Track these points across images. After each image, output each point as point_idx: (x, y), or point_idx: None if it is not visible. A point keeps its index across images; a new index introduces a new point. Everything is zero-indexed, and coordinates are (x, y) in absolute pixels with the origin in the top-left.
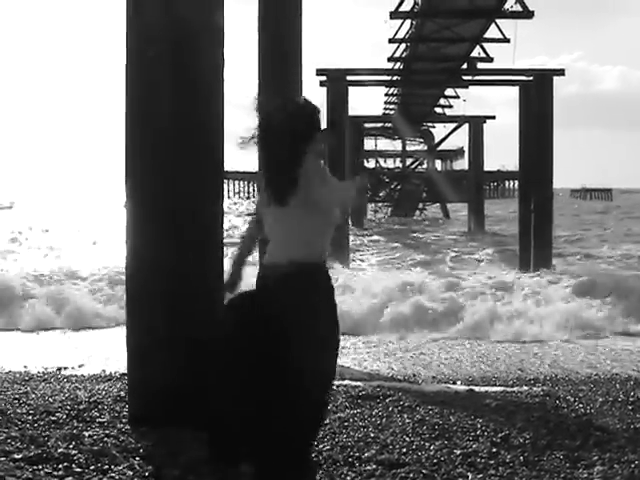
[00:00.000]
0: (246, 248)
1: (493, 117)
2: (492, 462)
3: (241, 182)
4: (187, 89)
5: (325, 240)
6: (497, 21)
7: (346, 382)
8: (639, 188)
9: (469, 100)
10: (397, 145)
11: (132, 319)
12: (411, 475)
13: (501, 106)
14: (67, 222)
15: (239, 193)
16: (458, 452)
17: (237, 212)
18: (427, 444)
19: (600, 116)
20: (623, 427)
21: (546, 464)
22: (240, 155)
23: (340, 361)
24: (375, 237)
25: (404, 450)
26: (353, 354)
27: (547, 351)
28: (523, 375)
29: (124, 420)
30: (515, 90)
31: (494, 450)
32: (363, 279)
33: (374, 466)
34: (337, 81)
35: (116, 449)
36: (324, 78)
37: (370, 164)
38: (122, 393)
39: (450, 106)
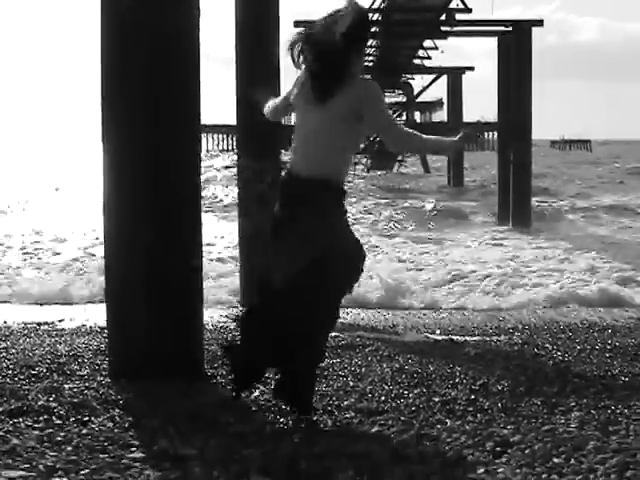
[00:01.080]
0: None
1: (472, 68)
2: (471, 409)
3: (219, 135)
4: (162, 46)
5: (350, 157)
6: None
7: None
8: (617, 139)
9: (448, 51)
10: None
11: (110, 273)
12: (390, 422)
13: (480, 57)
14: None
15: (218, 145)
16: (437, 399)
17: (216, 166)
18: (406, 392)
19: (579, 67)
20: (600, 374)
21: (524, 410)
22: (216, 109)
23: None
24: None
25: (383, 398)
26: None
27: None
28: (502, 325)
29: (104, 373)
30: (494, 41)
31: (473, 397)
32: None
33: (353, 414)
34: None
35: (96, 401)
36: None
37: None
38: (102, 346)
39: (429, 57)
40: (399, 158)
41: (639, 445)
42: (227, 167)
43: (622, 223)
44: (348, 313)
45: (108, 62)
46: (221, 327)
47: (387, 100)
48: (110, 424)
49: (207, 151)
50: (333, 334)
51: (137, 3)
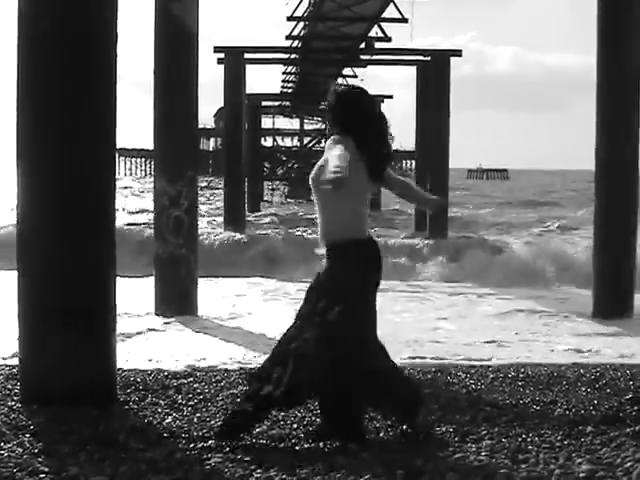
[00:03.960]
0: None
1: (390, 96)
2: (382, 437)
3: (135, 159)
4: (79, 66)
5: None
6: (395, 1)
7: None
8: (532, 168)
9: (367, 80)
10: (295, 124)
11: (24, 297)
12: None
13: (398, 86)
14: None
15: (132, 170)
16: None
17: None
18: (315, 418)
19: (495, 97)
20: (512, 402)
21: (435, 439)
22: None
23: None
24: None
25: (295, 426)
26: None
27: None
28: (416, 351)
29: (15, 398)
30: (412, 70)
31: (384, 425)
32: None
33: (266, 441)
34: (234, 58)
35: (6, 427)
36: (222, 55)
37: (268, 142)
38: (14, 371)
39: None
40: None
41: (548, 474)
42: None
43: None
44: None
45: (25, 78)
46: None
47: (306, 127)
48: (19, 450)
49: (125, 174)
50: None
51: (54, 27)
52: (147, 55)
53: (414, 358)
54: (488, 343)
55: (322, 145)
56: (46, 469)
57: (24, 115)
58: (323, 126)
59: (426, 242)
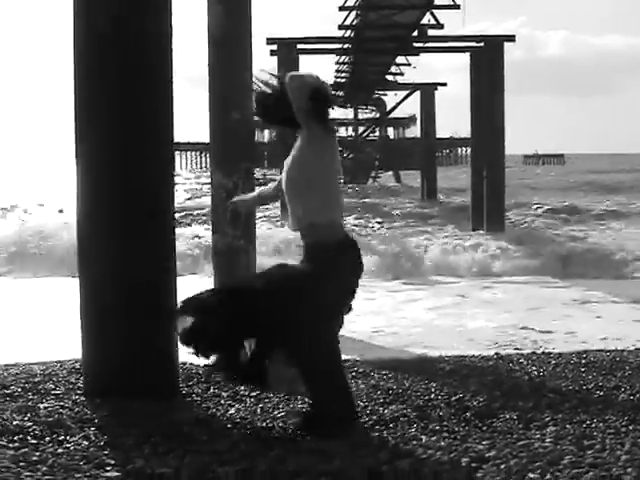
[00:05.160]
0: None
1: (444, 84)
2: (446, 425)
3: (193, 152)
4: (134, 63)
5: None
6: None
7: None
8: (587, 152)
9: (420, 67)
10: (349, 113)
11: (85, 292)
12: (364, 439)
13: (451, 73)
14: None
15: (187, 164)
16: (412, 416)
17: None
18: (381, 409)
19: (547, 82)
20: (576, 388)
21: (499, 426)
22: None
23: None
24: None
25: (358, 415)
26: None
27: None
28: (477, 338)
29: (79, 392)
30: (465, 57)
31: (448, 413)
32: None
33: None
34: (287, 50)
35: (71, 420)
36: (274, 47)
37: None
38: (77, 365)
39: (401, 74)
40: (372, 174)
41: (615, 460)
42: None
43: None
44: None
45: (81, 75)
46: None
47: (360, 116)
48: (85, 443)
49: (180, 168)
50: None
51: (110, 27)
52: (197, 49)
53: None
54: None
55: (376, 134)
56: (112, 461)
57: (81, 111)
58: (377, 115)
59: (489, 236)
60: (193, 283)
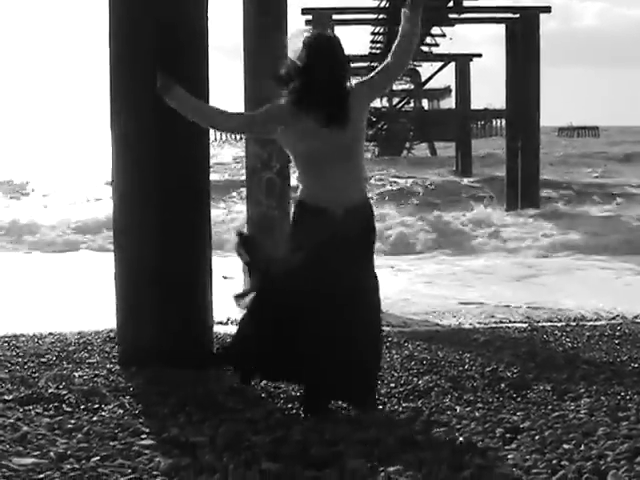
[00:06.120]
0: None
1: (479, 55)
2: (480, 395)
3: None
4: (170, 34)
5: None
6: None
7: None
8: (625, 125)
9: (455, 38)
10: None
11: (120, 261)
12: (399, 409)
13: (486, 44)
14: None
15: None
16: (446, 386)
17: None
18: (415, 379)
19: (582, 54)
20: (610, 360)
21: (533, 397)
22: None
23: None
24: None
25: (392, 385)
26: None
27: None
28: (510, 310)
29: (114, 360)
30: (499, 27)
31: (482, 384)
32: None
33: None
34: (323, 20)
35: (106, 389)
36: (309, 17)
37: None
38: (111, 334)
39: (436, 44)
40: (407, 145)
41: None
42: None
43: None
44: None
45: (116, 52)
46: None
47: (395, 87)
48: (120, 411)
49: (215, 140)
50: None
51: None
52: (230, 19)
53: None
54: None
55: (411, 105)
56: (147, 430)
57: (116, 87)
58: (412, 86)
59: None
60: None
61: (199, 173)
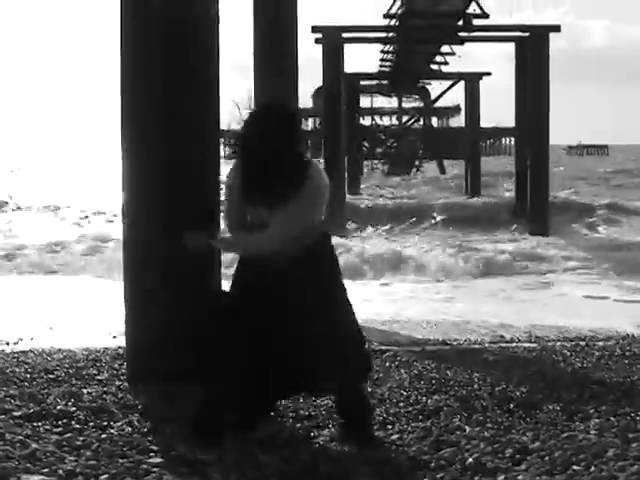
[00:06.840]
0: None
1: (489, 73)
2: (489, 415)
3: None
4: (182, 46)
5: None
6: None
7: None
8: (634, 144)
9: (464, 57)
10: (393, 102)
11: (129, 279)
12: (408, 428)
13: (496, 62)
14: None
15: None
16: (455, 406)
17: None
18: (424, 398)
19: (590, 72)
20: (619, 380)
21: (543, 417)
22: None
23: None
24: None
25: (401, 404)
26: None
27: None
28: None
29: (122, 377)
30: (509, 46)
31: (491, 403)
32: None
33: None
34: (332, 38)
35: (115, 406)
36: (319, 35)
37: (366, 122)
38: (120, 351)
39: (446, 63)
40: (416, 163)
41: None
42: None
43: None
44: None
45: (128, 63)
46: None
47: (404, 105)
48: (129, 429)
49: (225, 157)
50: None
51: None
52: (241, 37)
53: None
54: None
55: (420, 123)
56: (155, 447)
57: (126, 99)
58: (422, 104)
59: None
60: None
61: (210, 181)
